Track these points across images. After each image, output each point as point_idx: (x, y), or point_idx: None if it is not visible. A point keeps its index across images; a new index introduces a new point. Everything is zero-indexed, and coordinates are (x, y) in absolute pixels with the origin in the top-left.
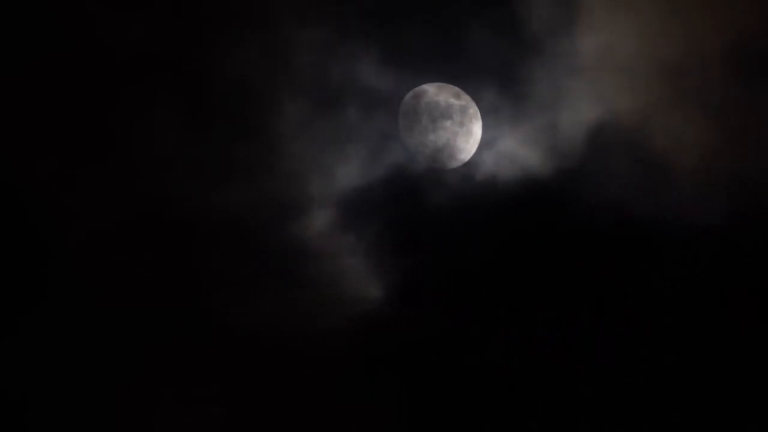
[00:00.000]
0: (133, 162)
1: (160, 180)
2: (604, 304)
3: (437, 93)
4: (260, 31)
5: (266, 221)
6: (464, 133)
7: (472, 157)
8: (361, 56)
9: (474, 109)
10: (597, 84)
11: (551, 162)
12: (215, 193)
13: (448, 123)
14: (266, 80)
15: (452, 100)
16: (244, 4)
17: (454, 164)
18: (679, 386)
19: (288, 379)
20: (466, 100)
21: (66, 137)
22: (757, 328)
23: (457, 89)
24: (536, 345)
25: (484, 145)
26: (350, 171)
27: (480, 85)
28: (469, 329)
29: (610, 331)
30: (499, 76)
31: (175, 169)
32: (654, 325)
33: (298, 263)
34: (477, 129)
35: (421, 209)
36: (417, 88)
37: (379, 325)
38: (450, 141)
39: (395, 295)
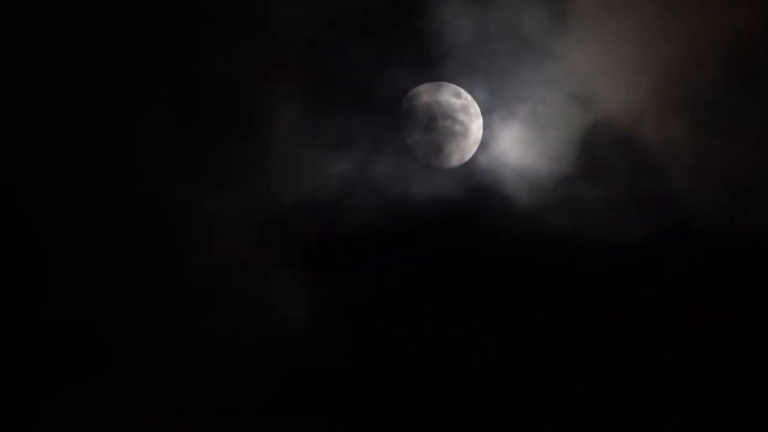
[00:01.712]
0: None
1: (145, 181)
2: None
3: (436, 92)
4: (256, 31)
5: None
6: (464, 133)
7: (472, 158)
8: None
9: (474, 108)
10: (591, 86)
11: (545, 164)
12: (207, 196)
13: (448, 122)
14: (261, 80)
15: (453, 99)
16: (241, 3)
17: (454, 164)
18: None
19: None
20: (466, 99)
21: (63, 137)
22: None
23: (456, 87)
24: (475, 368)
25: (480, 145)
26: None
27: (472, 86)
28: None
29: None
30: (493, 78)
31: (165, 170)
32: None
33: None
34: (477, 128)
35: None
36: (415, 88)
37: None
38: (450, 141)
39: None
